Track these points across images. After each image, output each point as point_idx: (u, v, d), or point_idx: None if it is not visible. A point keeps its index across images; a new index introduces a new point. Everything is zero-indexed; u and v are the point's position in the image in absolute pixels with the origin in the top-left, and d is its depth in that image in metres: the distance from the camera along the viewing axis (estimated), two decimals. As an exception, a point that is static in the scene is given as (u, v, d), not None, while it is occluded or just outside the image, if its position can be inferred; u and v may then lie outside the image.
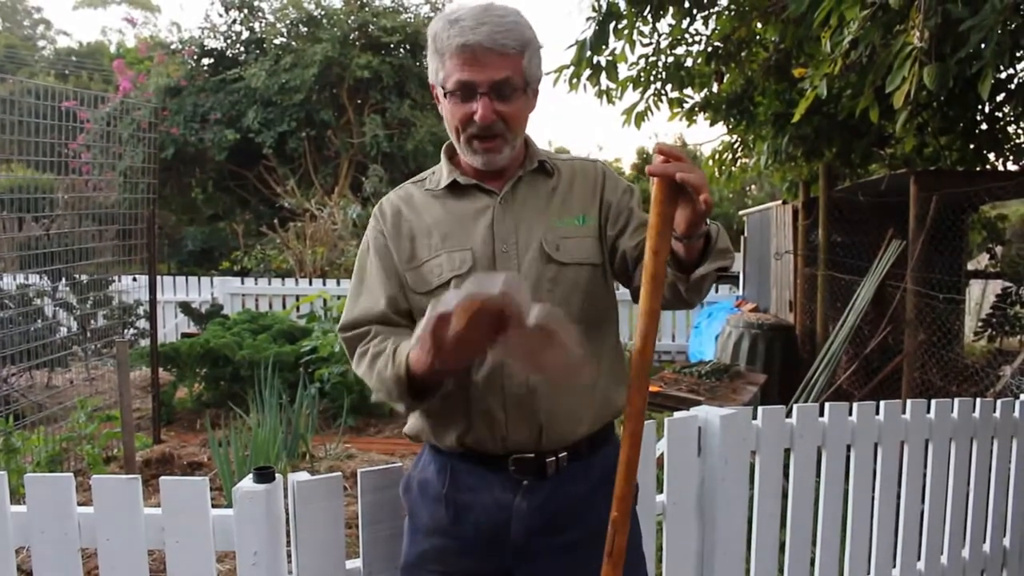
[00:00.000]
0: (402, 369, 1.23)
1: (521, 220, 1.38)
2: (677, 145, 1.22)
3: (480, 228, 1.37)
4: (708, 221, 1.19)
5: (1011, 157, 4.91)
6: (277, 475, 1.50)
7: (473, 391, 1.34)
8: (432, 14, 13.75)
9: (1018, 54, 3.59)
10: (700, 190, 1.08)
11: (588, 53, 4.15)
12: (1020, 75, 4.15)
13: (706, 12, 4.60)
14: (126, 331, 6.02)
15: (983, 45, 2.65)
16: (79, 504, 1.51)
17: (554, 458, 1.36)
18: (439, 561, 1.40)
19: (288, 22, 14.28)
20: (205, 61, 14.56)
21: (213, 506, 1.50)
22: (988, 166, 4.93)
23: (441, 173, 1.44)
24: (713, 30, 4.75)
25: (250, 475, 1.49)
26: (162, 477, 1.52)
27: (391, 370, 1.26)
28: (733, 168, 6.13)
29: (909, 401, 2.48)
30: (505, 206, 1.38)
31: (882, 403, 2.40)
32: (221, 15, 14.61)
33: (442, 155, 1.46)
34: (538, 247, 1.36)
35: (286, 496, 1.52)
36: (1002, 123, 4.80)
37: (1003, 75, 4.01)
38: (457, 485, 1.38)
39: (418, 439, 1.45)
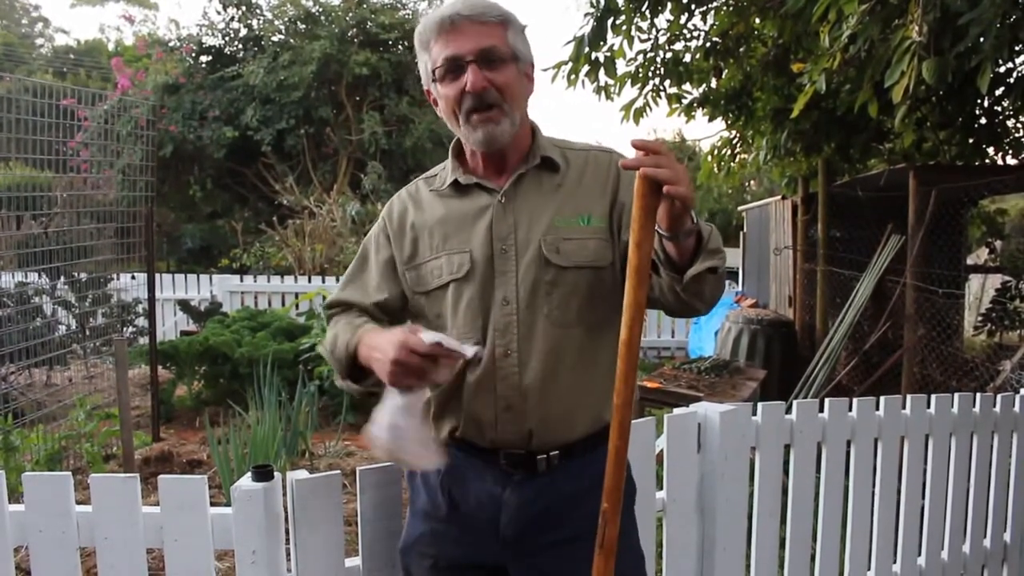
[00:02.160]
0: (352, 348, 1.33)
1: (521, 219, 1.35)
2: (655, 139, 1.18)
3: (480, 228, 1.35)
4: (695, 219, 1.17)
5: (1010, 151, 4.90)
6: (276, 473, 1.50)
7: (466, 391, 1.34)
8: (430, 11, 13.77)
9: (1017, 48, 3.57)
10: (669, 183, 1.06)
11: (586, 49, 4.14)
12: (1019, 69, 4.14)
13: (704, 7, 4.59)
14: (125, 329, 6.02)
15: (982, 39, 2.65)
16: (78, 503, 1.50)
17: (545, 456, 1.34)
18: (433, 546, 1.41)
19: (286, 19, 14.26)
20: (203, 58, 14.55)
21: (212, 504, 1.50)
22: (987, 160, 4.92)
23: (447, 171, 1.43)
24: (711, 25, 4.74)
25: (249, 473, 1.49)
26: (161, 475, 1.51)
27: (342, 340, 1.35)
28: (732, 164, 6.12)
29: (909, 396, 2.48)
30: (506, 204, 1.35)
31: (882, 398, 2.40)
32: (219, 12, 14.61)
33: (450, 152, 1.44)
34: (536, 248, 1.33)
35: (285, 494, 1.52)
36: (1001, 117, 4.79)
37: (1002, 69, 4.00)
38: (453, 474, 1.38)
39: None
